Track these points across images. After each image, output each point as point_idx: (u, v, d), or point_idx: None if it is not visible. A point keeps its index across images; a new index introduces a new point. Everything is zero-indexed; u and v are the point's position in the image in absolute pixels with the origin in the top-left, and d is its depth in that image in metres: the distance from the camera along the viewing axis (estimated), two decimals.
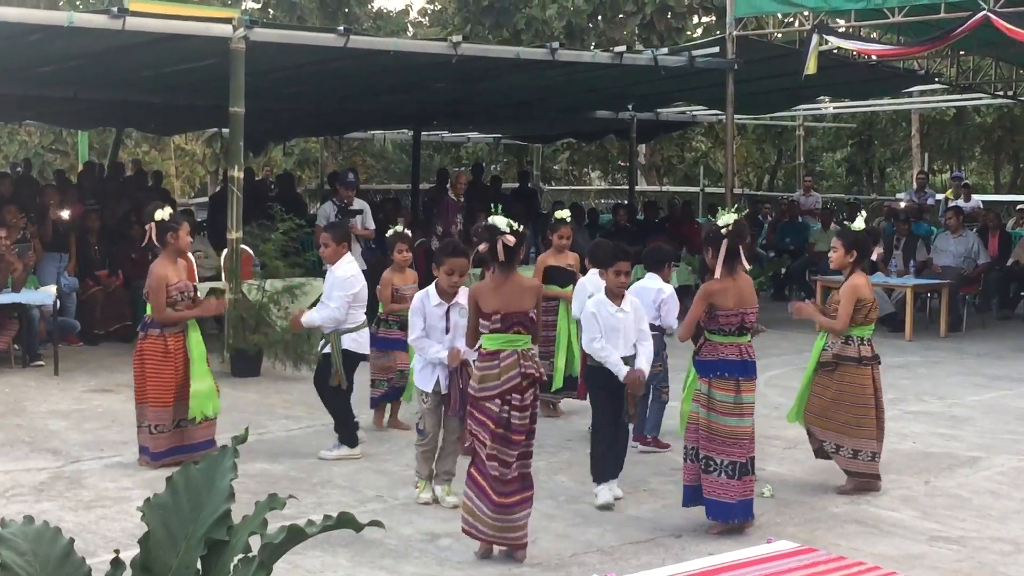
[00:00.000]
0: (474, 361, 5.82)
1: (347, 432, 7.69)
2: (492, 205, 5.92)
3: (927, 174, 22.22)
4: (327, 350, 7.66)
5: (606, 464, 6.59)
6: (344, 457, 7.60)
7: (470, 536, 5.72)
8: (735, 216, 6.14)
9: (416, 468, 6.74)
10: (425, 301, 6.51)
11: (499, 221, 5.65)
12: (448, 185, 15.59)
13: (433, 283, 6.55)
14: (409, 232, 8.91)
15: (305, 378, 8.94)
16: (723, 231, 6.05)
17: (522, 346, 5.66)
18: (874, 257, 7.23)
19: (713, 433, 6.04)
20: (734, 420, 6.04)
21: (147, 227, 7.52)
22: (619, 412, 6.52)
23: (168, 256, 7.43)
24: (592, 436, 6.72)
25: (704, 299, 6.06)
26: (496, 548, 5.71)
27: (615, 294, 6.60)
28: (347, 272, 7.59)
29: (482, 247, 5.68)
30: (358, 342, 7.75)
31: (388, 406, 8.66)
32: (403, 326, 8.46)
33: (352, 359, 7.77)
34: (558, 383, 8.67)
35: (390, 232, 8.92)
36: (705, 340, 6.14)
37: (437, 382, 6.51)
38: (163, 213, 7.39)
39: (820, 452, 7.17)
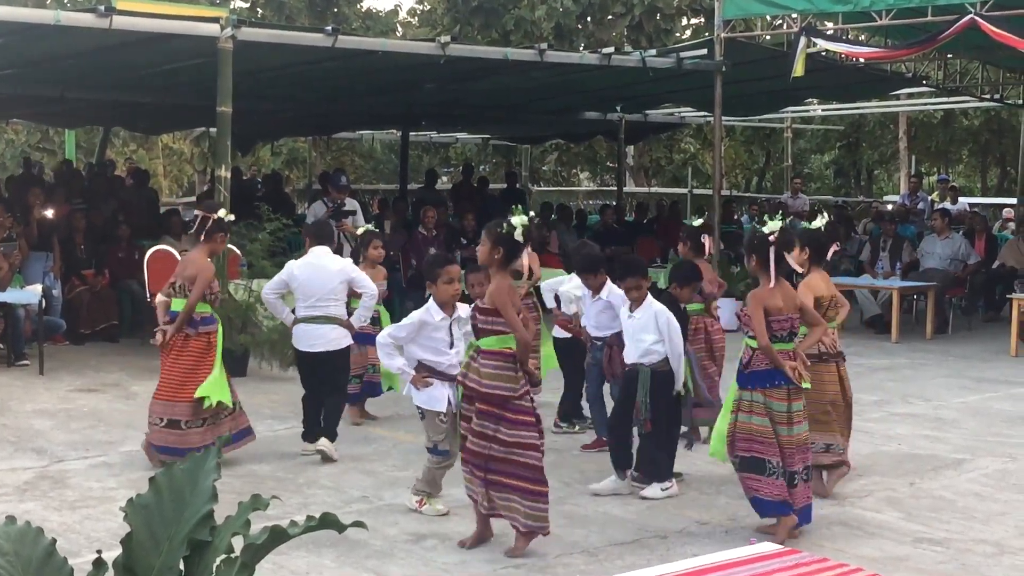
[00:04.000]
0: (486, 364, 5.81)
1: (336, 419, 7.84)
2: (515, 205, 6.02)
3: (919, 178, 22.32)
4: (342, 344, 7.75)
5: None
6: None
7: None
8: (780, 224, 6.15)
9: (422, 487, 6.42)
10: (427, 318, 6.29)
11: (517, 221, 5.80)
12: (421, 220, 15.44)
13: (430, 300, 6.43)
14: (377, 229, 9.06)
15: (291, 378, 8.93)
16: (770, 238, 6.08)
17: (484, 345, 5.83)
18: (828, 256, 7.23)
19: (779, 445, 5.98)
20: (784, 429, 6.00)
21: (196, 212, 7.65)
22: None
23: (207, 251, 7.46)
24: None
25: (758, 306, 6.03)
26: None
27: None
28: (344, 262, 7.92)
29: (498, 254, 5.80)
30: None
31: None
32: (375, 321, 8.52)
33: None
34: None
35: (361, 229, 8.97)
36: (755, 350, 6.05)
37: (449, 400, 6.26)
38: (224, 213, 7.50)
39: None
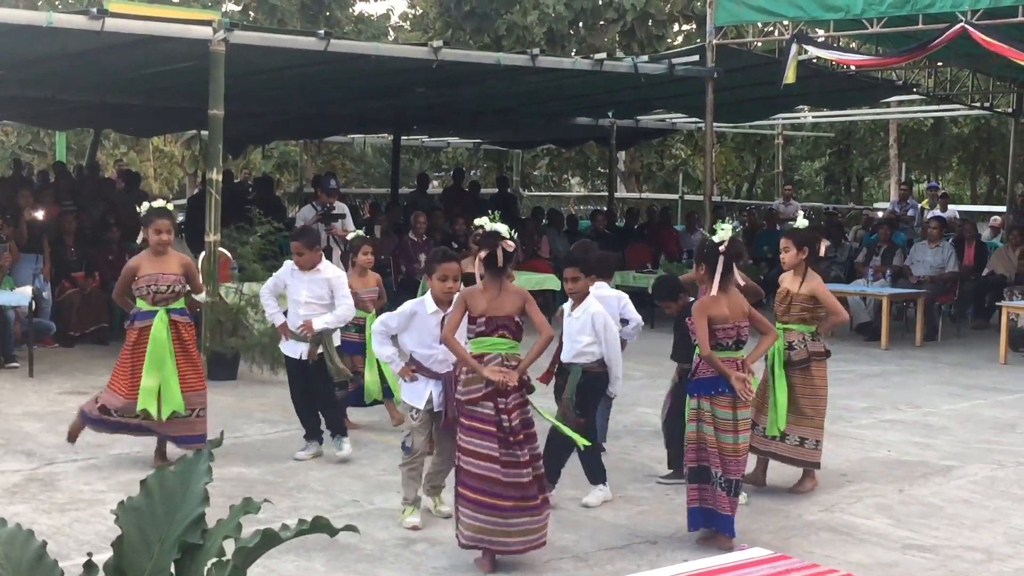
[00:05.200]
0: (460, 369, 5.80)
1: (339, 424, 7.85)
2: (490, 212, 5.98)
3: (909, 185, 22.36)
4: (322, 350, 7.70)
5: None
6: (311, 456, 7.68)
7: (487, 551, 5.59)
8: (731, 233, 6.13)
9: (403, 493, 6.40)
10: (419, 309, 6.33)
11: (500, 227, 5.76)
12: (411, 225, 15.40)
13: (427, 292, 6.45)
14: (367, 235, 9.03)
15: (281, 382, 8.91)
16: (720, 248, 6.06)
17: (505, 350, 5.68)
18: (822, 252, 7.30)
19: (721, 452, 5.95)
20: (731, 437, 5.98)
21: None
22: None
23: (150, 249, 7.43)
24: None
25: (702, 315, 6.02)
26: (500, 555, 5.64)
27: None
28: (338, 271, 7.86)
29: (483, 253, 5.74)
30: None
31: None
32: (360, 329, 8.50)
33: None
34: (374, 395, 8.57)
35: (352, 235, 8.95)
36: (701, 359, 6.07)
37: (430, 398, 6.24)
38: (146, 205, 7.41)
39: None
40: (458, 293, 6.00)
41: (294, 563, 5.57)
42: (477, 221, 5.96)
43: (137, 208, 7.55)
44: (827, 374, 7.18)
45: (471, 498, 5.57)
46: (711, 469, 5.93)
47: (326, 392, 7.90)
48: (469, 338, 5.74)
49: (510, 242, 5.72)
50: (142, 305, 7.35)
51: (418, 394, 6.28)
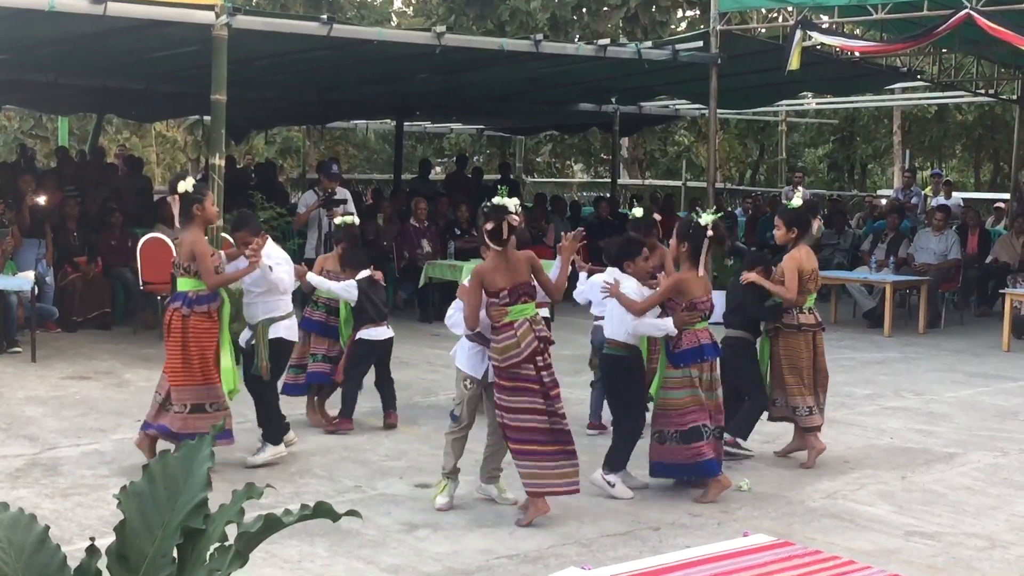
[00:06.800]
0: (490, 339, 6.09)
1: (273, 429, 7.31)
2: (498, 187, 6.27)
3: (913, 172, 22.33)
4: (255, 341, 7.31)
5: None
6: (273, 457, 7.21)
7: (541, 495, 6.04)
8: (715, 218, 6.57)
9: (443, 462, 6.39)
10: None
11: (508, 202, 5.99)
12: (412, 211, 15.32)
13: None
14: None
15: None
16: (708, 232, 6.50)
17: (530, 313, 6.06)
18: (815, 230, 7.72)
19: (711, 408, 6.59)
20: (714, 394, 6.63)
21: (169, 199, 7.13)
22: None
23: (198, 229, 6.96)
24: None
25: (674, 288, 6.55)
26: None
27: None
28: (281, 252, 7.43)
29: (489, 225, 5.97)
30: (291, 330, 7.46)
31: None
32: (330, 310, 8.44)
33: (286, 347, 7.51)
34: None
35: (339, 220, 8.92)
36: (682, 332, 6.54)
37: (486, 371, 6.27)
38: (186, 184, 6.92)
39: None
40: (471, 274, 6.17)
41: (296, 548, 5.57)
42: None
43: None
44: (807, 347, 7.40)
45: (521, 450, 6.03)
46: (702, 426, 6.50)
47: (259, 383, 7.37)
48: (494, 310, 6.02)
49: (515, 216, 5.99)
50: (201, 287, 6.95)
51: (476, 364, 6.32)
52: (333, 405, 8.35)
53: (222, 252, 7.37)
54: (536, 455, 6.03)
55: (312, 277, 8.17)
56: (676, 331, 6.50)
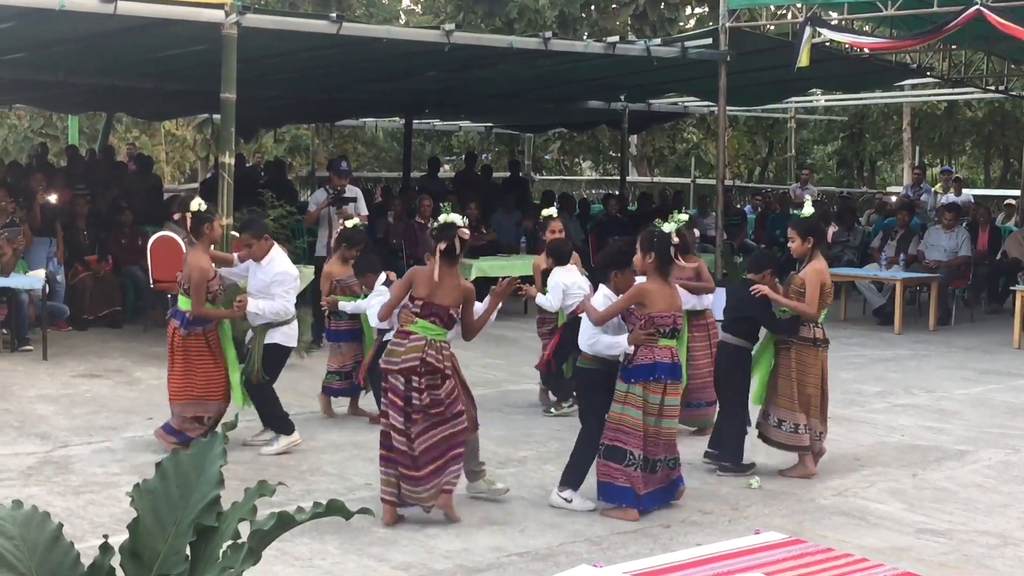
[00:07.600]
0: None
1: (280, 422, 7.48)
2: (443, 204, 6.29)
3: (923, 169, 22.26)
4: (251, 345, 7.57)
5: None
6: (288, 446, 7.41)
7: (390, 504, 6.03)
8: (679, 225, 6.35)
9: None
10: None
11: (455, 218, 6.04)
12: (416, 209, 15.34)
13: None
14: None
15: (292, 365, 8.91)
16: (674, 239, 6.26)
17: (433, 335, 5.98)
18: (829, 238, 7.38)
19: (645, 434, 6.15)
20: (653, 420, 6.16)
21: (174, 216, 7.60)
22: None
23: (204, 247, 7.37)
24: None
25: (635, 297, 6.22)
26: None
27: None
28: (284, 266, 7.53)
29: (442, 245, 5.98)
30: (288, 335, 7.58)
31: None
32: (352, 317, 8.50)
33: (282, 352, 7.63)
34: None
35: (352, 223, 8.94)
36: (638, 347, 6.17)
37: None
38: (197, 204, 7.35)
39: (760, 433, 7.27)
40: (409, 270, 6.31)
41: (308, 546, 5.58)
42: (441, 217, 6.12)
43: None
44: (820, 363, 7.10)
45: (382, 455, 6.10)
46: (627, 450, 6.11)
47: (256, 387, 7.51)
48: (404, 313, 6.07)
49: (465, 231, 6.05)
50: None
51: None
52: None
53: (235, 255, 7.73)
54: (389, 463, 6.06)
55: (345, 305, 8.35)
56: (631, 349, 6.16)
